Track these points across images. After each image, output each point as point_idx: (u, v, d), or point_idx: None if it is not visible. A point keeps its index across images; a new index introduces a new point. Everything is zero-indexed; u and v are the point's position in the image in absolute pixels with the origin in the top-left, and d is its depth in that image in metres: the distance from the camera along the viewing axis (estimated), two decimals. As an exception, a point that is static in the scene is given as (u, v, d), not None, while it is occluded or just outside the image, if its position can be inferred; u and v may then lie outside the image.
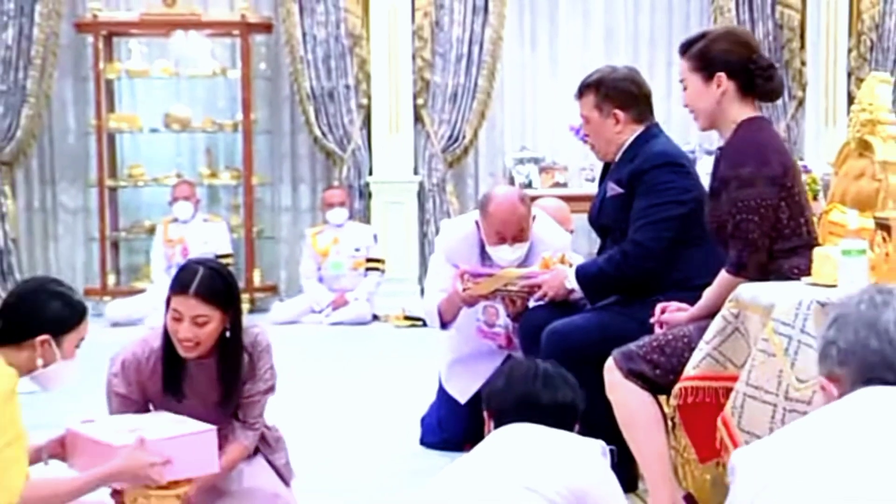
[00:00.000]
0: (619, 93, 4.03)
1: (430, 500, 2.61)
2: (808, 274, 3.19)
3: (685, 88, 3.50)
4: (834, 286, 3.02)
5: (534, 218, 4.50)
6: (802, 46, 8.81)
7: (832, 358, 1.94)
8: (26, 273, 8.70)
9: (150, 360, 3.31)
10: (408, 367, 6.34)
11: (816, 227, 3.58)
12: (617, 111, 4.00)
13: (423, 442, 4.75)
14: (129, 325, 7.93)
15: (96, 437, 3.07)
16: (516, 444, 2.64)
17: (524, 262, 4.42)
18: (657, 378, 3.35)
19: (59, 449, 3.15)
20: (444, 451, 4.48)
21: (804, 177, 4.28)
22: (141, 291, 8.35)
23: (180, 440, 3.04)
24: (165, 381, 3.28)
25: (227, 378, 3.30)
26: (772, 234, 3.34)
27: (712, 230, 3.48)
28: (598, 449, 2.69)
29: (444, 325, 4.57)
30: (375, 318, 8.16)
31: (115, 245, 8.84)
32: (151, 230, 8.57)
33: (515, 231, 4.39)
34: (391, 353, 7.00)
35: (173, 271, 8.65)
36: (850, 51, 8.76)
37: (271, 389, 3.41)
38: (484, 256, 4.54)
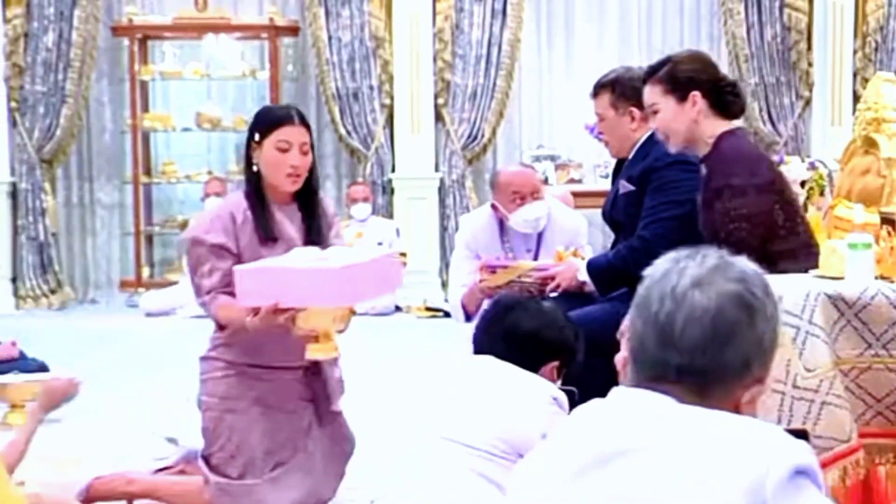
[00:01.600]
0: (634, 91, 4.01)
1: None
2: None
3: (655, 112, 3.45)
4: (841, 278, 3.00)
5: (544, 188, 4.58)
6: (809, 48, 8.76)
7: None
8: (65, 266, 8.76)
9: (238, 212, 3.25)
10: (429, 357, 6.33)
11: (812, 227, 3.56)
12: (633, 109, 3.99)
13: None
14: (163, 314, 7.98)
15: (287, 265, 3.04)
16: (461, 390, 2.64)
17: (542, 236, 4.44)
18: None
19: None
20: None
21: (811, 173, 4.26)
22: (174, 283, 8.38)
23: (370, 265, 3.11)
24: (260, 226, 3.24)
25: (311, 218, 3.33)
26: (766, 238, 3.32)
27: (707, 239, 3.45)
28: (546, 396, 2.65)
29: (469, 317, 4.56)
30: (398, 309, 8.16)
31: (150, 239, 8.88)
32: (184, 225, 8.58)
33: (531, 188, 4.44)
34: (413, 344, 7.00)
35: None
36: (855, 52, 8.72)
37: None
38: (504, 239, 4.55)
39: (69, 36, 8.41)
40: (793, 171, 4.21)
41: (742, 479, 1.46)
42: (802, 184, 4.24)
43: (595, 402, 1.65)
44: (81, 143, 8.83)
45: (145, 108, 8.74)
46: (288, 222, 3.31)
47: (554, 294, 4.15)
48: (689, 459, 1.50)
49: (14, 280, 8.62)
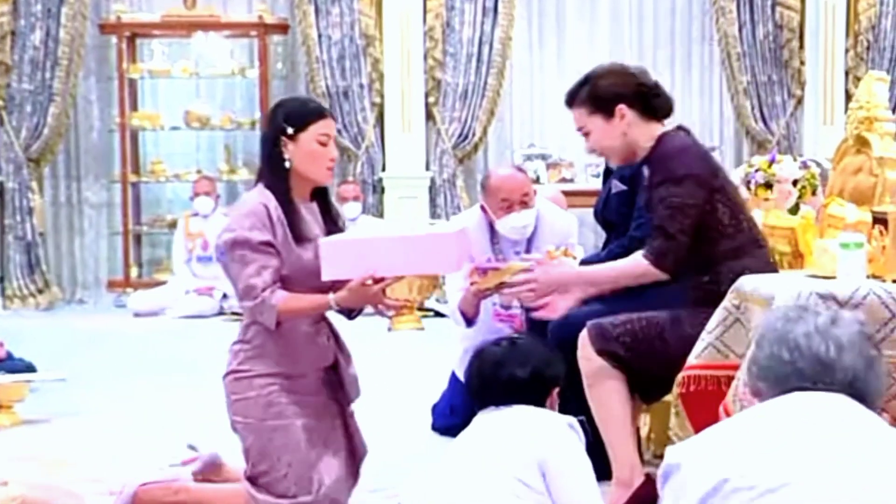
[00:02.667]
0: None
1: (417, 494, 2.65)
2: (759, 273, 3.22)
3: (586, 134, 3.46)
4: (833, 278, 3.01)
5: (535, 191, 4.52)
6: (801, 46, 8.78)
7: (753, 374, 2.01)
8: (53, 265, 8.74)
9: (271, 207, 3.20)
10: (419, 356, 6.33)
11: (757, 224, 3.58)
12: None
13: (434, 427, 4.75)
14: (151, 315, 7.96)
15: (391, 234, 3.18)
16: (481, 430, 2.66)
17: (532, 240, 4.43)
18: (629, 360, 3.35)
19: None
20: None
21: (804, 172, 4.26)
22: (162, 283, 8.37)
23: (462, 233, 3.28)
24: (294, 226, 3.21)
25: (328, 214, 3.36)
26: (709, 237, 3.33)
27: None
28: (562, 423, 2.70)
29: (469, 322, 4.53)
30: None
31: (138, 238, 8.86)
32: (172, 224, 8.59)
33: (520, 196, 4.41)
34: (403, 343, 7.00)
35: (193, 264, 8.76)
36: (847, 51, 8.73)
37: None
38: (494, 241, 4.54)
39: (56, 34, 8.38)
40: (785, 169, 4.22)
41: None
42: (795, 182, 4.24)
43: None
44: (69, 142, 8.81)
45: (133, 107, 8.72)
46: (312, 219, 3.31)
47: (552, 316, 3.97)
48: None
49: (1, 280, 8.60)
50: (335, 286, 3.17)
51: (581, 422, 2.80)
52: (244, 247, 3.15)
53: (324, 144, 3.23)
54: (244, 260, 3.15)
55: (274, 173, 3.25)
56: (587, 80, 3.47)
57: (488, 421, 2.72)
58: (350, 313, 3.38)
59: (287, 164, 3.23)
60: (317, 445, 3.27)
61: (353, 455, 3.42)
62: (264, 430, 3.22)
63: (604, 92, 3.41)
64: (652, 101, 3.43)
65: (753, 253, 3.33)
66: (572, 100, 3.47)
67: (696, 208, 3.30)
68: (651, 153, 3.41)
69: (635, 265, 3.34)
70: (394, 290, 3.14)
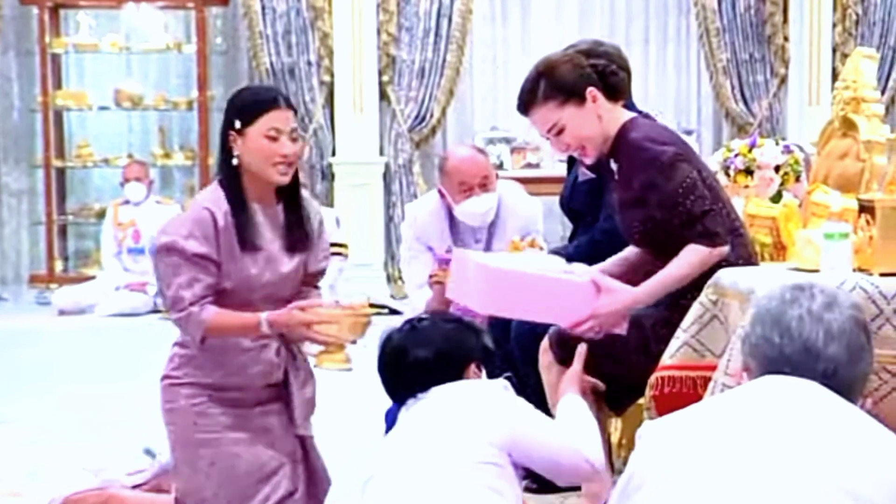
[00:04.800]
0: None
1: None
2: (738, 265, 3.25)
3: (560, 132, 3.39)
4: (816, 271, 3.04)
5: (496, 175, 4.51)
6: (785, 21, 8.84)
7: (745, 349, 2.14)
8: (-32, 259, 8.65)
9: (219, 213, 3.14)
10: (374, 357, 6.32)
11: (740, 213, 3.62)
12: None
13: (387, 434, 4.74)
14: (78, 313, 7.90)
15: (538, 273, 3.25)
16: (416, 427, 2.69)
17: (493, 226, 4.43)
18: (591, 368, 3.35)
19: None
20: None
21: (787, 157, 4.29)
22: (90, 278, 8.31)
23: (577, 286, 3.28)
24: (240, 232, 3.14)
25: (295, 220, 3.26)
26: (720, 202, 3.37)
27: (646, 233, 3.45)
28: (500, 388, 2.75)
29: None
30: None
31: (63, 229, 8.79)
32: (101, 213, 8.52)
33: (479, 179, 4.41)
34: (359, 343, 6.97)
35: (124, 257, 8.66)
36: (834, 25, 8.80)
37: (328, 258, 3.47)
38: (454, 228, 4.54)
39: (-28, 4, 8.30)
40: (766, 154, 4.25)
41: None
42: (777, 169, 4.27)
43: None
44: (-14, 123, 8.73)
45: (57, 85, 8.64)
46: (268, 225, 3.23)
47: None
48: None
49: (-89, 275, 8.51)
50: (277, 304, 3.17)
51: (509, 378, 2.85)
52: (177, 255, 3.11)
53: (273, 139, 3.15)
54: (176, 269, 3.11)
55: (225, 172, 3.21)
56: (540, 75, 3.41)
57: (419, 414, 2.73)
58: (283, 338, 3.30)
59: (234, 162, 3.18)
60: (253, 465, 3.24)
61: (310, 493, 3.36)
62: (193, 443, 3.21)
63: (568, 78, 3.38)
64: (609, 80, 3.42)
65: (732, 242, 3.35)
66: (532, 101, 3.40)
67: (700, 177, 3.34)
68: (617, 147, 3.41)
69: (695, 253, 3.29)
70: (322, 326, 3.11)
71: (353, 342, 3.22)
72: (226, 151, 3.20)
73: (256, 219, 3.21)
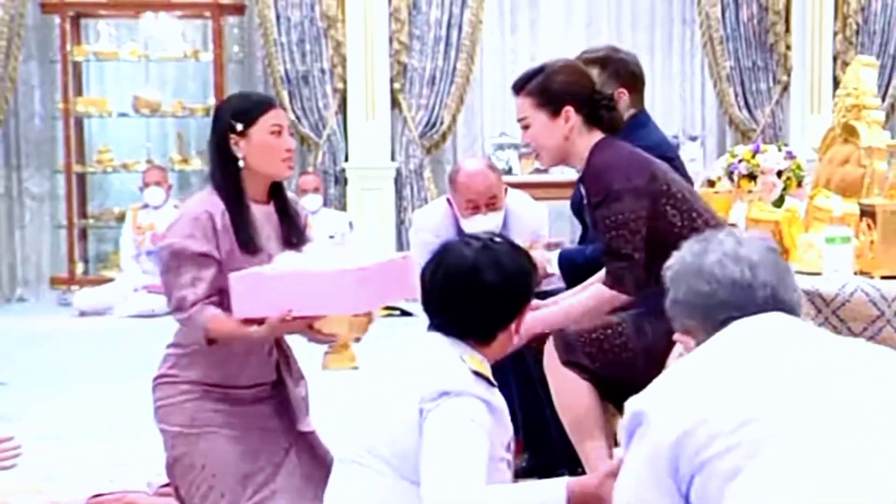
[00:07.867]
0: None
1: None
2: None
3: (526, 127, 3.40)
4: (818, 274, 3.03)
5: (506, 190, 4.50)
6: (787, 30, 8.84)
7: (679, 314, 2.09)
8: (-9, 261, 8.67)
9: (217, 214, 3.15)
10: (383, 356, 6.32)
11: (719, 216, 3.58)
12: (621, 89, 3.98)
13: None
14: (98, 314, 7.91)
15: (309, 269, 3.01)
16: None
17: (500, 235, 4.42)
18: (596, 370, 3.36)
19: None
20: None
21: (789, 163, 4.29)
22: (110, 280, 8.31)
23: (387, 266, 3.15)
24: (241, 233, 3.15)
25: (288, 218, 3.29)
26: (666, 242, 3.32)
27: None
28: (414, 402, 2.57)
29: None
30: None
31: (84, 233, 8.80)
32: (120, 217, 8.53)
33: (487, 198, 4.38)
34: (366, 344, 6.97)
35: (142, 259, 8.69)
36: (835, 34, 8.79)
37: None
38: (461, 236, 4.52)
39: (-5, 13, 8.32)
40: (769, 160, 4.24)
41: None
42: (779, 174, 4.27)
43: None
44: (9, 129, 8.73)
45: (78, 92, 8.65)
46: (266, 225, 3.25)
47: None
48: None
49: (-65, 277, 8.53)
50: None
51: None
52: (179, 257, 3.12)
53: (277, 134, 3.21)
54: (178, 270, 3.12)
55: (225, 176, 3.21)
56: (541, 70, 3.43)
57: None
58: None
59: (240, 164, 3.20)
60: (254, 461, 3.23)
61: (314, 477, 3.31)
62: (187, 439, 3.21)
63: (556, 88, 3.37)
64: (600, 111, 3.39)
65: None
66: (521, 87, 3.42)
67: (641, 220, 3.27)
68: (584, 169, 3.40)
69: (600, 295, 3.33)
70: (322, 325, 3.07)
71: (357, 340, 3.17)
72: (224, 156, 3.21)
73: (254, 219, 3.23)
